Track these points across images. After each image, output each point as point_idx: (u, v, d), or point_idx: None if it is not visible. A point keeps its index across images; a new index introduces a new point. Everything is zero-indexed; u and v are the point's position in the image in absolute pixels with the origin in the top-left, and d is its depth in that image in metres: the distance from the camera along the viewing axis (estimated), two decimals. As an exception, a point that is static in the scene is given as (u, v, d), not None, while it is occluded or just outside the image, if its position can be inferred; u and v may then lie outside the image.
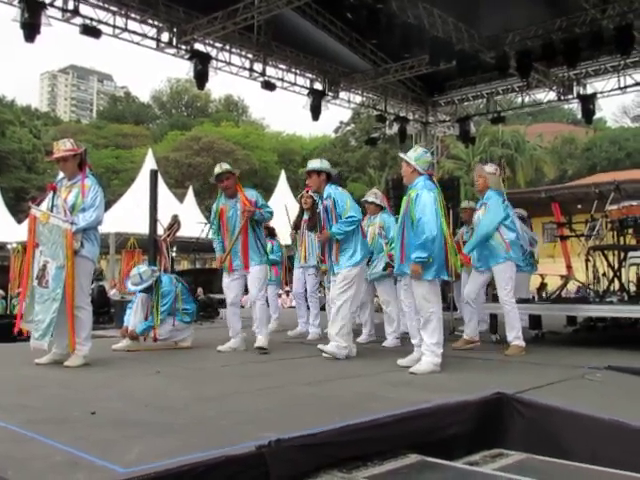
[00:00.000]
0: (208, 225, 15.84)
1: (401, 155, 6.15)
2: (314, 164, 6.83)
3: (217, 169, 7.20)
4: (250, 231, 7.05)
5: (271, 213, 7.32)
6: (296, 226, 9.05)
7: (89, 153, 6.56)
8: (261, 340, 6.95)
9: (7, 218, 29.52)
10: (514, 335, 6.65)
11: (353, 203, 6.59)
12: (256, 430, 3.23)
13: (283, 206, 10.76)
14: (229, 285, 7.17)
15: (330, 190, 6.62)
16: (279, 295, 13.23)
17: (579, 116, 18.71)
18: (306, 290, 9.06)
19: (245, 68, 14.58)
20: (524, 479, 2.93)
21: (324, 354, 6.33)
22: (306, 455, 3.02)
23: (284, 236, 10.73)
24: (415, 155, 5.95)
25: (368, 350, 7.13)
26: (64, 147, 5.99)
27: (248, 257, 7.01)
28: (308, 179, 6.90)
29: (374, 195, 8.08)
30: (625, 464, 3.20)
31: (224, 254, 7.09)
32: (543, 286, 13.56)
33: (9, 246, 23.12)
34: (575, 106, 17.11)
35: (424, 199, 5.63)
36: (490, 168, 7.22)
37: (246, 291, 7.33)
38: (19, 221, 27.28)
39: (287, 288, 19.32)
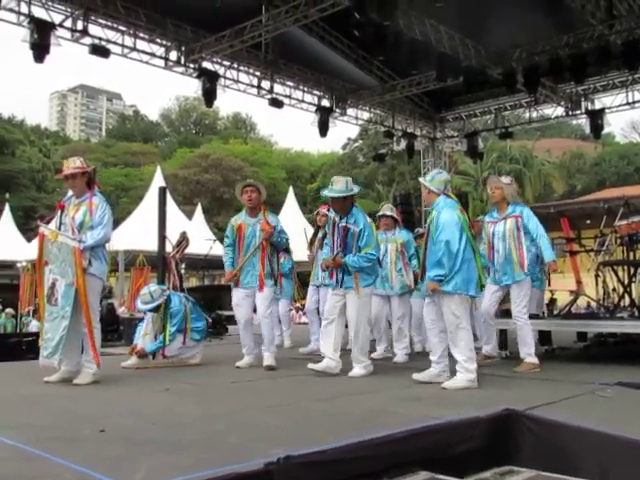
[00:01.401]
0: (216, 241, 15.93)
1: (420, 179, 6.37)
2: (342, 187, 6.41)
3: (249, 180, 7.35)
4: (267, 252, 7.02)
5: (287, 241, 7.36)
6: (311, 242, 9.03)
7: (98, 172, 6.60)
8: (270, 358, 6.95)
9: (17, 237, 29.71)
10: (526, 352, 6.61)
11: (375, 239, 6.56)
12: (266, 447, 3.22)
13: (302, 230, 10.81)
14: (241, 303, 7.10)
15: (359, 218, 6.39)
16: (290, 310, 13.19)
17: (587, 131, 18.72)
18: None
19: (253, 85, 14.69)
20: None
21: (351, 376, 6.28)
22: (315, 472, 3.00)
23: (297, 253, 10.71)
24: (429, 177, 6.12)
25: (378, 366, 7.10)
26: (73, 165, 6.03)
27: (264, 278, 6.97)
28: (333, 204, 6.55)
29: (390, 209, 8.27)
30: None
31: (234, 270, 7.07)
32: (553, 301, 13.52)
33: (19, 265, 23.22)
34: (583, 121, 17.14)
35: (443, 217, 5.71)
36: (506, 179, 7.19)
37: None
38: (29, 240, 27.41)
39: (297, 304, 19.31)
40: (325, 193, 6.58)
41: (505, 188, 6.95)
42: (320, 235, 8.54)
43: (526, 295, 6.69)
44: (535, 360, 6.58)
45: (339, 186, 6.44)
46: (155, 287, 7.67)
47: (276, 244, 7.11)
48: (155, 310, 7.34)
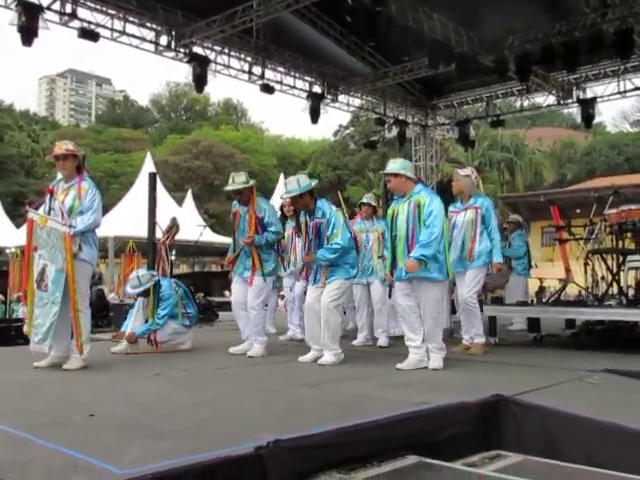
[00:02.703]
0: (207, 227, 15.85)
1: (386, 172, 6.23)
2: (293, 187, 6.42)
3: (229, 186, 7.03)
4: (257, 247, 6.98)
5: (276, 233, 7.04)
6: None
7: (88, 158, 6.57)
8: (255, 349, 6.93)
9: (6, 223, 29.56)
10: (474, 333, 6.90)
11: (344, 229, 6.33)
12: (255, 432, 3.23)
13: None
14: (234, 287, 7.23)
15: (325, 208, 6.38)
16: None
17: (578, 120, 18.69)
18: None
19: (244, 71, 14.57)
20: (522, 480, 2.94)
21: (321, 364, 6.23)
22: (304, 456, 3.02)
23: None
24: (399, 165, 6.10)
25: (365, 353, 7.14)
26: (66, 146, 6.01)
27: (255, 271, 6.94)
28: (295, 204, 6.66)
29: (373, 199, 8.36)
30: (622, 467, 3.20)
31: (232, 255, 7.14)
32: (542, 289, 13.59)
33: (8, 251, 23.14)
34: (574, 110, 17.15)
35: (436, 204, 5.90)
36: (464, 171, 7.38)
37: None
38: (18, 225, 27.29)
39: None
40: (283, 196, 6.83)
41: (462, 180, 7.17)
42: (292, 224, 8.28)
43: (479, 282, 6.90)
44: (483, 339, 6.92)
45: (290, 186, 6.50)
46: (143, 272, 7.70)
47: (261, 245, 6.93)
48: (144, 294, 7.35)
